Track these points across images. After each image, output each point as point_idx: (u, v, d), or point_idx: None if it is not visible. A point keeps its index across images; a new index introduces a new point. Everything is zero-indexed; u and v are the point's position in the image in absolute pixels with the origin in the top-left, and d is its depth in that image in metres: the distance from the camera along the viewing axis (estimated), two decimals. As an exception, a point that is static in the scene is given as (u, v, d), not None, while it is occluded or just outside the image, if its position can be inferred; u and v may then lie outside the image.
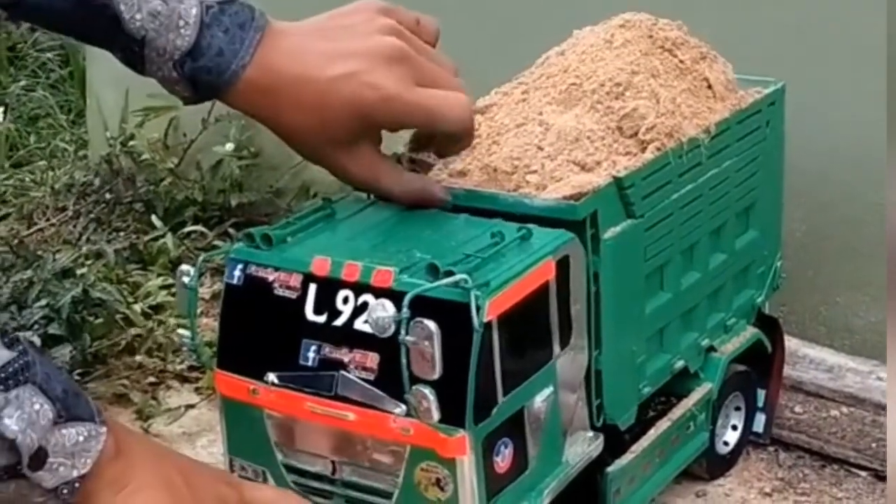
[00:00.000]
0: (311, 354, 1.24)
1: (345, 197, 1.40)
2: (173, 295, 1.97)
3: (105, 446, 1.07)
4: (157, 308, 2.02)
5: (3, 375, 1.01)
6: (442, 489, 1.21)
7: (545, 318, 1.27)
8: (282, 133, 1.29)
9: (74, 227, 2.21)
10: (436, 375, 1.16)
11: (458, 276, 1.18)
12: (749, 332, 1.59)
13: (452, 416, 1.18)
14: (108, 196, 2.25)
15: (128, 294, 2.03)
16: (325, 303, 1.24)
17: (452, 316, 1.17)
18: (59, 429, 1.04)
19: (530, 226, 1.28)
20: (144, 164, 2.27)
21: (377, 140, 1.32)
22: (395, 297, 1.19)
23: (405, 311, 1.16)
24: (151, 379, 1.89)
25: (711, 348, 1.54)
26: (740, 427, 1.62)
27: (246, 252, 1.29)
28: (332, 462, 1.26)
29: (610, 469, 1.38)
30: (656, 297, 1.44)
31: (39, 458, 1.03)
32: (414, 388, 1.17)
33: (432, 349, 1.15)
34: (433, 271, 1.20)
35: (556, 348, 1.28)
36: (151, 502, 1.11)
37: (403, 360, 1.16)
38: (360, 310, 1.22)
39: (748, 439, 1.65)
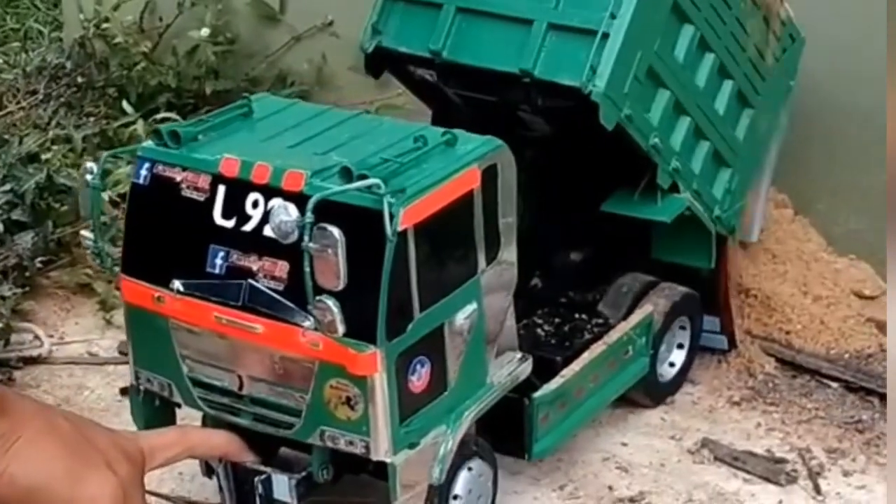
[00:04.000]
0: (218, 261, 1.17)
1: (266, 95, 1.33)
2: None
3: None
4: (126, 197, 1.95)
5: None
6: (352, 408, 1.15)
7: (469, 230, 1.19)
8: None
9: (45, 110, 2.13)
10: (340, 286, 1.09)
11: (370, 181, 1.10)
12: (707, 216, 1.50)
13: (362, 330, 1.11)
14: (80, 80, 2.17)
15: (95, 182, 1.96)
16: (235, 206, 1.17)
17: (364, 223, 1.09)
18: None
19: (456, 131, 1.20)
20: (118, 47, 2.19)
21: None
22: (305, 201, 1.11)
23: (308, 216, 1.09)
24: (116, 269, 1.82)
25: (675, 187, 1.45)
26: (686, 346, 1.54)
27: (153, 150, 1.22)
28: (239, 377, 1.19)
29: (537, 394, 1.30)
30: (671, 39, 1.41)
31: None
32: (317, 298, 1.09)
33: (336, 257, 1.07)
34: (346, 175, 1.12)
35: (482, 262, 1.20)
36: (44, 451, 1.06)
37: (307, 269, 1.09)
38: (269, 215, 1.14)
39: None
